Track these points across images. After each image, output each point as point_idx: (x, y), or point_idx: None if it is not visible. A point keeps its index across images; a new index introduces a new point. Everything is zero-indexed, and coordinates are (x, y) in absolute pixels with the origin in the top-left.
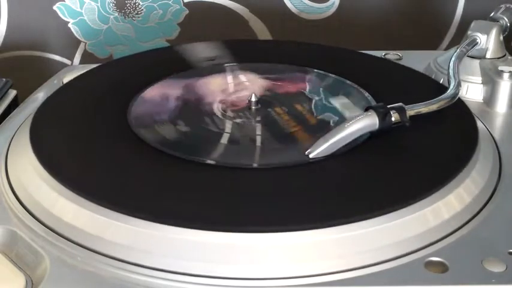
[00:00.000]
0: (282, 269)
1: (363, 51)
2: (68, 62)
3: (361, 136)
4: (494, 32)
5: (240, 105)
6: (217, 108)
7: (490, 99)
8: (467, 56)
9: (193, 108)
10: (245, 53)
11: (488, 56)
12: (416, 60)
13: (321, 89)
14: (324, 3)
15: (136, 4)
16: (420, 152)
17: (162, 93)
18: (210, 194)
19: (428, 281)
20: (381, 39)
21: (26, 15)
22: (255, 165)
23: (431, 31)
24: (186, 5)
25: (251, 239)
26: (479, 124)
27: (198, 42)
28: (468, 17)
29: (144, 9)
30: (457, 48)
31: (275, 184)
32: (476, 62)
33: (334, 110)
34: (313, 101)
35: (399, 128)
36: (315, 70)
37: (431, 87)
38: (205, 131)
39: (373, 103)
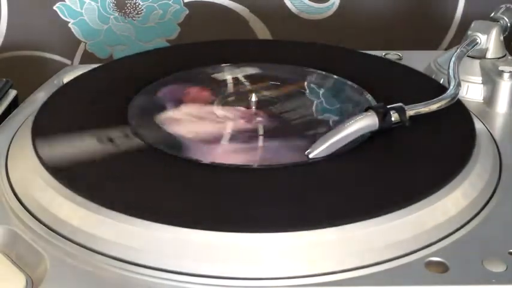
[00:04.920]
0: (282, 269)
1: (363, 51)
2: (68, 62)
3: (361, 136)
4: (494, 32)
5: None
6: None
7: (490, 100)
8: (468, 56)
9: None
10: (245, 53)
11: (488, 56)
12: (416, 60)
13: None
14: (324, 3)
15: (137, 4)
16: (420, 152)
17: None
18: (209, 194)
19: (429, 281)
20: (381, 39)
21: (26, 15)
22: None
23: (431, 31)
24: (186, 5)
25: (251, 239)
26: (479, 124)
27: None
28: (468, 17)
29: (144, 9)
30: (457, 48)
31: (275, 184)
32: (477, 62)
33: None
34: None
35: (399, 128)
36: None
37: (431, 87)
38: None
39: (373, 103)
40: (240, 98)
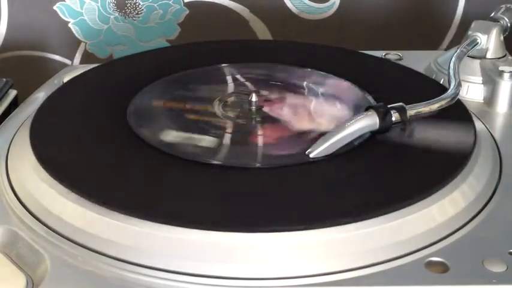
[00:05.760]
0: (282, 269)
1: (363, 51)
2: (68, 62)
3: (361, 136)
4: (494, 32)
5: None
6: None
7: (490, 100)
8: (468, 56)
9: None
10: (245, 53)
11: (488, 56)
12: (416, 60)
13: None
14: (324, 3)
15: (137, 4)
16: (420, 152)
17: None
18: (210, 194)
19: (429, 281)
20: (381, 39)
21: (26, 15)
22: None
23: (431, 31)
24: (186, 5)
25: (251, 239)
26: (479, 124)
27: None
28: (468, 17)
29: (145, 9)
30: (458, 48)
31: (275, 184)
32: (477, 62)
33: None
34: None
35: (399, 128)
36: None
37: (431, 87)
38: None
39: (373, 103)
40: (240, 98)
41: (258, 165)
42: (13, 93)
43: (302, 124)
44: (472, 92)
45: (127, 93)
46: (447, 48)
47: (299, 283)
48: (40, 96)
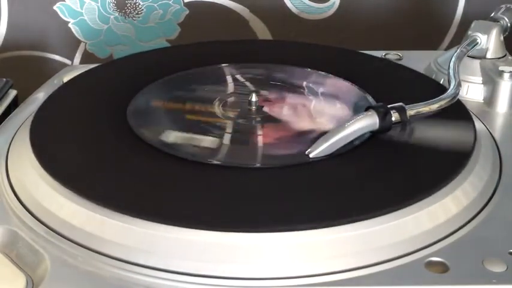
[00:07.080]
0: (282, 269)
1: (363, 51)
2: (68, 62)
3: (361, 136)
4: (494, 32)
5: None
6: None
7: (490, 100)
8: (468, 56)
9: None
10: (245, 53)
11: (488, 56)
12: (416, 60)
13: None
14: (324, 3)
15: (137, 4)
16: (420, 152)
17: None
18: (209, 193)
19: (429, 281)
20: (381, 39)
21: (26, 15)
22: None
23: (431, 31)
24: (186, 5)
25: (251, 239)
26: (479, 124)
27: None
28: (468, 17)
29: (144, 9)
30: (458, 48)
31: (275, 184)
32: (477, 62)
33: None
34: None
35: (399, 128)
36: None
37: (431, 87)
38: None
39: (373, 103)
40: (240, 98)
41: (258, 165)
42: (13, 93)
43: (302, 124)
44: (472, 92)
45: (127, 93)
46: (447, 48)
47: (299, 283)
48: (40, 96)
